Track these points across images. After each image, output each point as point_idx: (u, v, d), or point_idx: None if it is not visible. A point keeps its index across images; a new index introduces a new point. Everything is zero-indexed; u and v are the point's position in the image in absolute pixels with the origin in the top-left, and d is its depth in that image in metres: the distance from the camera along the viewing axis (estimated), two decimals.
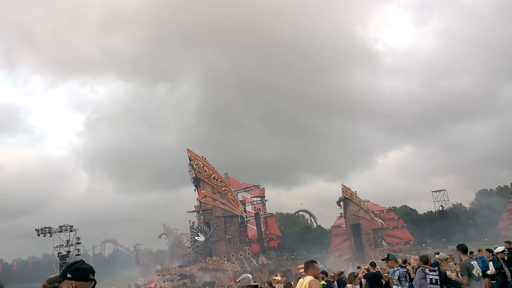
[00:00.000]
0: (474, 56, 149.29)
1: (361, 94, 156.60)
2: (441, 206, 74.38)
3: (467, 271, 7.40)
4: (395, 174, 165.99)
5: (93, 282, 2.76)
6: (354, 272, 9.51)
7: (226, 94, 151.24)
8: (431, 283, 7.82)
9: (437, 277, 7.88)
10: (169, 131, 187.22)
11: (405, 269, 9.10)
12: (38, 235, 44.08)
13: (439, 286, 7.72)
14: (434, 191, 77.05)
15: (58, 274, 2.77)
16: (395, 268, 8.78)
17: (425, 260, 8.72)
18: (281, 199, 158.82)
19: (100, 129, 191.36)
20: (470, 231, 70.54)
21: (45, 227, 44.31)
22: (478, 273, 7.42)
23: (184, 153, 73.43)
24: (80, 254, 47.15)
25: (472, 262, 7.62)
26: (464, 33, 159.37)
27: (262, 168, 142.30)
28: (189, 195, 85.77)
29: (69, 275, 2.66)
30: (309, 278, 5.67)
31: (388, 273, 13.38)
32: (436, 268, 8.41)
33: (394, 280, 8.67)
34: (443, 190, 76.76)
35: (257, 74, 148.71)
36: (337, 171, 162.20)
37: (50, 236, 44.63)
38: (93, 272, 2.77)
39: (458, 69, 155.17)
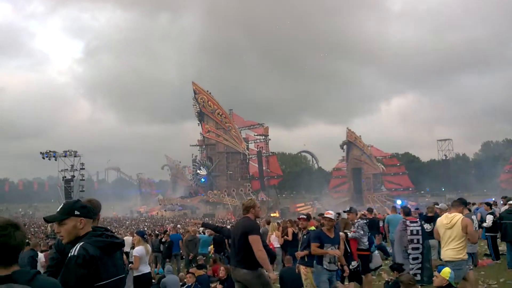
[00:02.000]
0: (487, 6, 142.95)
1: (367, 39, 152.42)
2: (445, 155, 74.44)
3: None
4: (398, 121, 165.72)
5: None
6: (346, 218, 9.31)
7: (230, 30, 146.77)
8: (411, 234, 7.96)
9: (419, 228, 8.01)
10: (170, 64, 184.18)
11: (365, 220, 9.13)
12: (43, 158, 44.22)
13: (420, 236, 7.88)
14: (440, 140, 76.75)
15: (57, 212, 2.76)
16: (356, 220, 8.74)
17: (406, 212, 8.90)
18: (281, 139, 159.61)
19: (100, 57, 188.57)
20: (471, 181, 70.98)
21: (50, 151, 44.36)
22: (475, 227, 7.63)
23: (186, 87, 72.57)
24: (84, 179, 47.70)
25: (471, 217, 7.65)
26: None
27: (263, 107, 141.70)
28: (192, 129, 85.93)
29: (77, 212, 2.72)
30: (460, 215, 6.13)
31: (384, 220, 13.28)
32: (418, 219, 8.57)
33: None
34: (448, 139, 76.42)
35: (261, 12, 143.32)
36: (339, 115, 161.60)
37: (55, 160, 44.92)
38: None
39: (469, 18, 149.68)
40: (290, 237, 11.30)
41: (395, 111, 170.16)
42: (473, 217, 8.01)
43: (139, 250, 7.31)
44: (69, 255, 2.54)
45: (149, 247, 8.11)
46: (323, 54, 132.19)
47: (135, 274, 7.11)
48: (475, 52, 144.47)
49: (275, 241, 11.96)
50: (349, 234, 7.72)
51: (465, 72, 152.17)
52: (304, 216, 8.09)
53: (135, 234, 9.47)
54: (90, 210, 2.84)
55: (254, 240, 5.02)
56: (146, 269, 7.30)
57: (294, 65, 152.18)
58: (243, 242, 5.09)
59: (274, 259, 7.20)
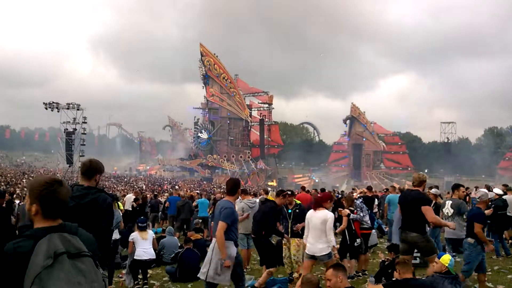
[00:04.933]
0: None
1: (366, 16, 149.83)
2: (447, 138, 74.03)
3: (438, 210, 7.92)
4: (397, 100, 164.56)
5: None
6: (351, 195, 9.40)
7: None
8: None
9: None
10: (173, 25, 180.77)
11: (360, 200, 8.87)
12: (46, 108, 43.99)
13: None
14: (443, 122, 76.04)
15: None
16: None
17: None
18: (281, 109, 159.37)
19: (103, 12, 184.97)
20: (469, 166, 70.93)
21: (53, 102, 44.07)
22: (447, 213, 7.62)
23: (189, 48, 71.36)
24: (85, 133, 47.83)
25: (446, 202, 7.81)
26: None
27: (263, 76, 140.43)
28: (195, 92, 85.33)
29: None
30: None
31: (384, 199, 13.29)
32: None
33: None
34: (452, 122, 75.69)
35: None
36: (338, 89, 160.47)
37: (58, 111, 44.76)
38: None
39: (470, 2, 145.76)
40: None
41: (394, 90, 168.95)
42: (447, 201, 7.86)
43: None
44: None
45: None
46: (322, 27, 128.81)
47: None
48: (474, 35, 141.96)
49: None
50: (351, 216, 7.72)
51: (464, 56, 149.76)
52: (289, 192, 8.02)
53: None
54: None
55: (428, 210, 6.04)
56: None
57: (295, 36, 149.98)
58: (416, 211, 6.01)
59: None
